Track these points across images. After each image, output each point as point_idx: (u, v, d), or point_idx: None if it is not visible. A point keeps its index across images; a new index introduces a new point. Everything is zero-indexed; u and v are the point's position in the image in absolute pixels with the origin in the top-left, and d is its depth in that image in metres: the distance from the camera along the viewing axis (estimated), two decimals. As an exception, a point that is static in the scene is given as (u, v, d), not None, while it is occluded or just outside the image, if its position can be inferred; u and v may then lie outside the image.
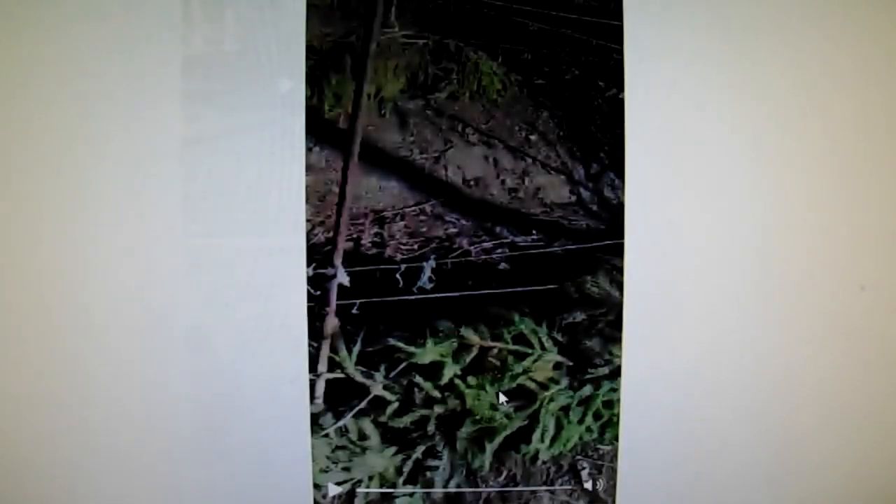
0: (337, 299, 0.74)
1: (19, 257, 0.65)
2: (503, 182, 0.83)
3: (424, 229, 0.82)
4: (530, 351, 0.78)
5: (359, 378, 0.76)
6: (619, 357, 0.73)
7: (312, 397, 0.73)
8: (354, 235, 0.80)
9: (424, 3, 0.81)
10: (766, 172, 0.70)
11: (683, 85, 0.70)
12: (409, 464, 0.76)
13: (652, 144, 0.70)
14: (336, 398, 0.75)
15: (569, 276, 0.79)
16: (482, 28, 0.82)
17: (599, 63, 0.83)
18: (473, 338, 0.77)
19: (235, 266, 0.68)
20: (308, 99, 0.70)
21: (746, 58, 0.70)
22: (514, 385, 0.77)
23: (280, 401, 0.69)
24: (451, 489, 0.77)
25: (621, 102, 0.70)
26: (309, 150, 0.73)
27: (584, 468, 0.79)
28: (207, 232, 0.67)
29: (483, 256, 0.81)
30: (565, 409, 0.78)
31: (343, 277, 0.74)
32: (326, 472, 0.75)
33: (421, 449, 0.77)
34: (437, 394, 0.77)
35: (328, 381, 0.75)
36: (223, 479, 0.69)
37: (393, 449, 0.76)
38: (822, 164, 0.70)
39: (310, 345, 0.70)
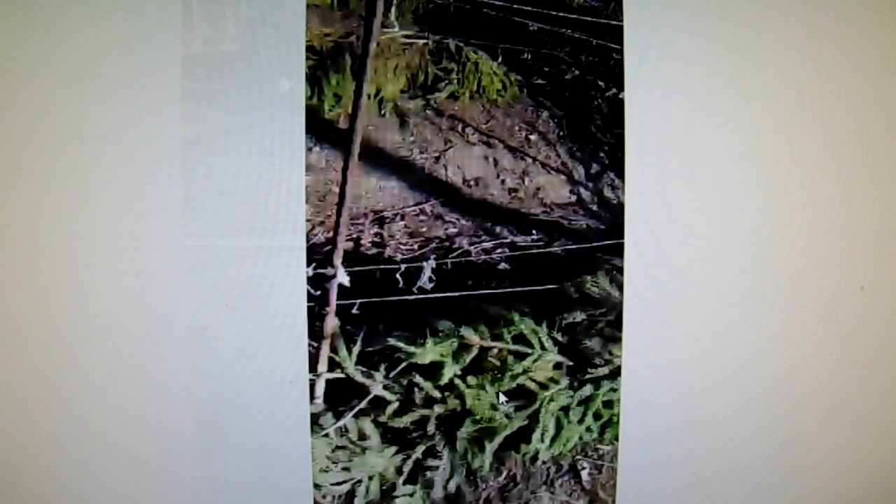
0: (337, 299, 0.74)
1: (19, 257, 0.65)
2: (503, 182, 0.83)
3: (424, 229, 0.82)
4: (530, 351, 0.78)
5: (359, 378, 0.76)
6: (619, 357, 0.73)
7: (312, 397, 0.73)
8: (354, 235, 0.80)
9: (424, 3, 0.81)
10: (766, 172, 0.70)
11: (683, 85, 0.70)
12: (409, 464, 0.76)
13: (652, 144, 0.70)
14: (336, 398, 0.75)
15: (569, 276, 0.79)
16: (482, 28, 0.82)
17: (599, 63, 0.83)
18: (473, 338, 0.77)
19: (235, 266, 0.68)
20: (308, 99, 0.70)
21: (746, 58, 0.70)
22: (514, 385, 0.77)
23: (280, 401, 0.69)
24: (451, 489, 0.77)
25: (621, 102, 0.70)
26: (309, 150, 0.73)
27: (584, 468, 0.80)
28: (207, 232, 0.67)
29: (483, 256, 0.81)
30: (565, 409, 0.78)
31: (343, 277, 0.74)
32: (326, 472, 0.75)
33: (421, 449, 0.77)
34: (437, 394, 0.77)
35: (328, 381, 0.75)
36: (223, 479, 0.69)
37: (393, 449, 0.76)
38: (821, 164, 0.70)
39: (310, 345, 0.70)
